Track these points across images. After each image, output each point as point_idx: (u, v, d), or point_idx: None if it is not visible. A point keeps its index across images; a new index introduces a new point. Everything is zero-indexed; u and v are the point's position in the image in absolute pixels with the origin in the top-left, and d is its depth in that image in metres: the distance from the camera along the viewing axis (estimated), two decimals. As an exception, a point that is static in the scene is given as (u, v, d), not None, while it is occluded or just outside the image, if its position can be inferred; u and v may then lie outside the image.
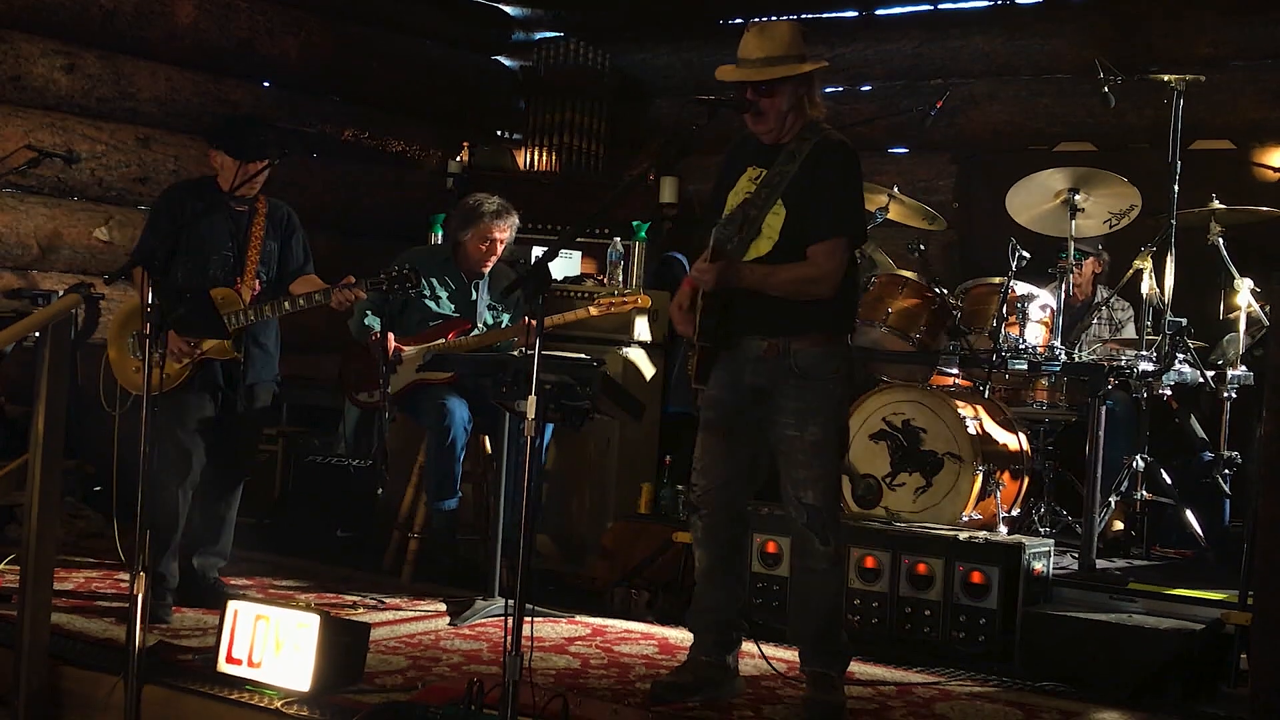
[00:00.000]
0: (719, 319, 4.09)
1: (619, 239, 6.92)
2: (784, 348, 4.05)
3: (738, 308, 4.07)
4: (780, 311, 4.03)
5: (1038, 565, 4.98)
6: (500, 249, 5.99)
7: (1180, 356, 5.52)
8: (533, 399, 3.54)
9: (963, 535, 5.03)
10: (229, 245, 5.05)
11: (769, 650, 4.51)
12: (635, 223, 7.11)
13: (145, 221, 5.32)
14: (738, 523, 4.29)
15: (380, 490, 6.31)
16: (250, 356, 5.06)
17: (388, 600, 5.39)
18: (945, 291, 5.87)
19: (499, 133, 9.04)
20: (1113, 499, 5.61)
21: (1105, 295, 6.38)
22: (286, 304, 5.02)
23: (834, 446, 4.10)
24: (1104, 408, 5.25)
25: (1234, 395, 5.65)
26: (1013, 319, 5.74)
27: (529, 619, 3.50)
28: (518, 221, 6.03)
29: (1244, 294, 5.63)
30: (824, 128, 4.12)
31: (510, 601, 3.52)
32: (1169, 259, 5.50)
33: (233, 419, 5.06)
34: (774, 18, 7.97)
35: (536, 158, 8.39)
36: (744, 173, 4.16)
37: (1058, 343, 5.64)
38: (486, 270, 6.02)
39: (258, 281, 5.06)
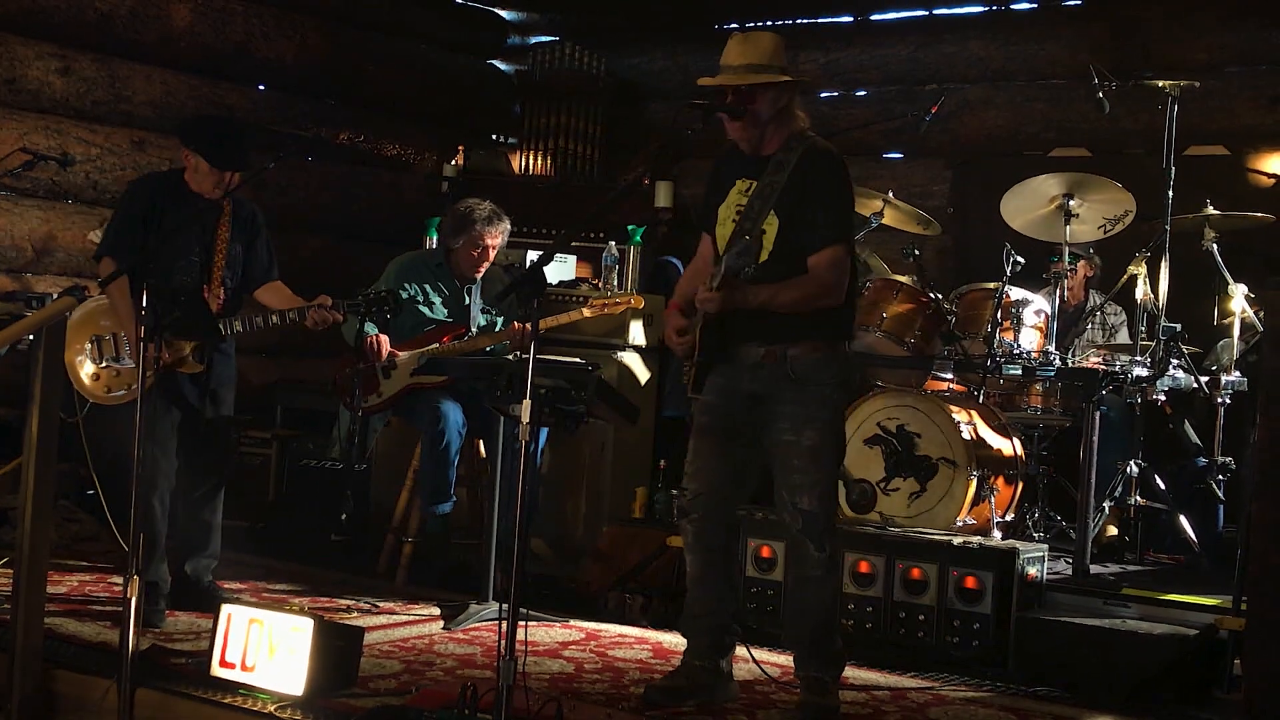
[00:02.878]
0: (718, 334, 4.10)
1: (614, 243, 6.92)
2: (782, 354, 4.05)
3: (736, 316, 4.08)
4: (778, 318, 4.04)
5: (1031, 570, 4.99)
6: (492, 255, 5.99)
7: (1174, 362, 5.53)
8: (527, 403, 3.54)
9: (957, 540, 5.03)
10: (195, 249, 4.97)
11: (764, 655, 4.51)
12: (630, 227, 7.11)
13: (115, 215, 5.18)
14: (728, 528, 4.29)
15: (346, 514, 6.23)
16: (211, 361, 5.01)
17: (382, 604, 5.38)
18: (940, 296, 5.88)
19: (494, 136, 9.04)
20: (1107, 504, 5.61)
21: (1099, 300, 6.39)
22: (259, 320, 4.98)
23: (830, 452, 4.10)
24: (1098, 413, 5.26)
25: (1228, 401, 5.66)
26: (1007, 324, 5.75)
27: (523, 623, 3.50)
28: (509, 226, 6.03)
29: (1238, 299, 5.64)
30: (810, 136, 4.13)
31: (504, 605, 3.51)
32: (1163, 264, 5.51)
33: (204, 426, 5.03)
34: (771, 23, 8.07)
35: (532, 161, 8.39)
36: (734, 185, 4.16)
37: (1052, 348, 5.65)
38: (479, 276, 6.02)
39: (223, 289, 5.01)
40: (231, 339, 5.10)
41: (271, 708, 3.89)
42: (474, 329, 6.00)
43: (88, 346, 4.97)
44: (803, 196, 4.02)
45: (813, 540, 4.06)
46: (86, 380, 4.95)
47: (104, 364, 4.98)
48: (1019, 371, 5.60)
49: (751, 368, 4.10)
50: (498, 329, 6.02)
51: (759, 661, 4.43)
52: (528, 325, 5.74)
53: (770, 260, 4.05)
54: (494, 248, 5.97)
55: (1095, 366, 5.54)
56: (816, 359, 4.06)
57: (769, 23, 8.16)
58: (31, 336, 4.19)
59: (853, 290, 4.21)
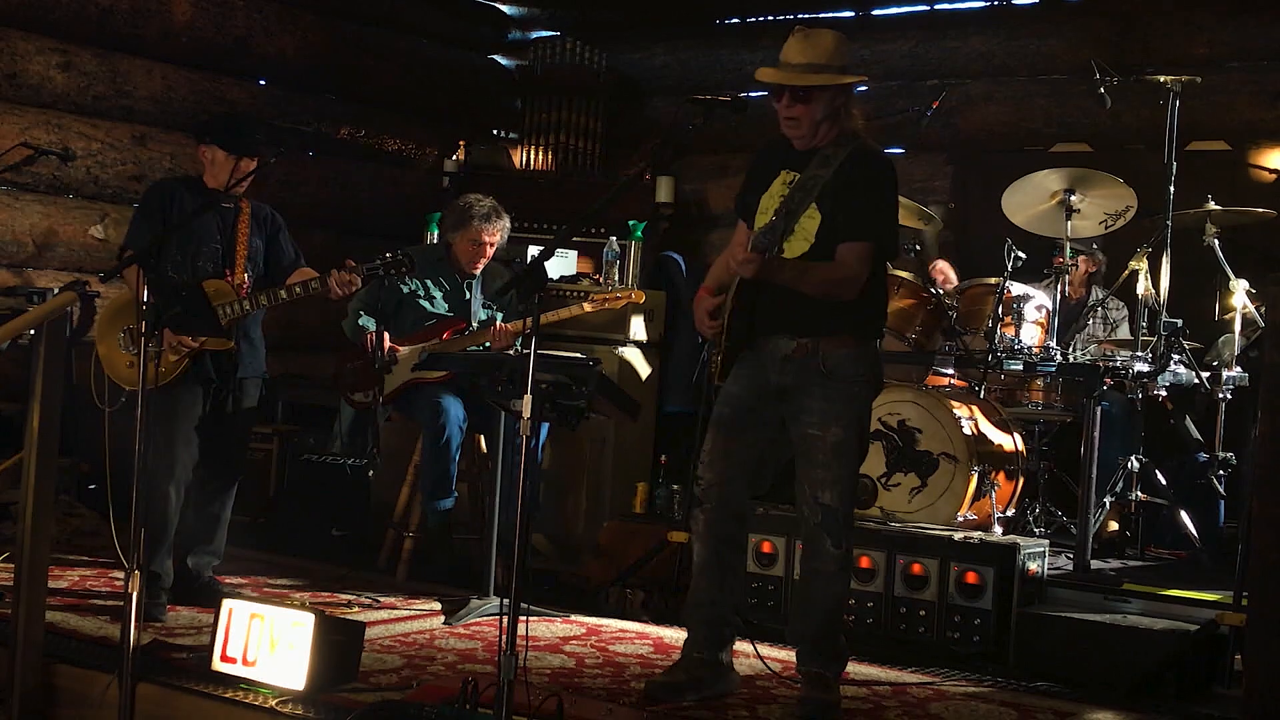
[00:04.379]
0: (748, 319, 4.11)
1: (615, 238, 6.93)
2: (813, 348, 4.05)
3: (765, 306, 4.08)
4: (810, 311, 4.04)
5: (1032, 566, 4.98)
6: (490, 251, 5.98)
7: (1175, 357, 5.53)
8: (528, 398, 3.54)
9: (958, 535, 5.03)
10: (217, 239, 5.01)
11: (764, 650, 4.51)
12: (631, 222, 7.11)
13: (136, 214, 5.25)
14: (738, 520, 4.29)
15: (371, 472, 6.29)
16: (239, 350, 5.03)
17: (383, 599, 5.38)
18: (941, 292, 5.88)
19: (495, 131, 9.04)
20: (1108, 499, 5.61)
21: (1100, 296, 6.39)
22: (283, 293, 4.99)
23: (855, 449, 4.10)
24: (1099, 408, 5.26)
25: (1229, 396, 5.66)
26: (1008, 319, 5.76)
27: (524, 618, 3.49)
28: (509, 223, 6.02)
29: (1239, 295, 5.64)
30: (860, 136, 4.14)
31: (505, 601, 3.51)
32: (1165, 260, 5.51)
33: (224, 417, 5.04)
34: (771, 18, 8.05)
35: (533, 156, 8.39)
36: (777, 175, 4.16)
37: (1053, 343, 5.65)
38: (477, 271, 6.01)
39: (247, 276, 5.03)
40: (260, 336, 5.13)
41: (273, 702, 3.89)
42: (474, 324, 6.00)
43: (120, 337, 4.99)
44: (846, 193, 4.02)
45: (831, 535, 4.07)
46: (124, 370, 4.96)
47: (136, 351, 4.99)
48: (1020, 367, 5.60)
49: (781, 360, 4.10)
50: (498, 321, 6.02)
51: (763, 657, 4.43)
52: (508, 326, 5.78)
53: (811, 252, 4.05)
54: (491, 244, 5.96)
55: (1096, 362, 5.54)
56: (846, 354, 4.06)
57: (770, 18, 8.14)
58: (33, 331, 4.19)
59: (884, 289, 4.22)
